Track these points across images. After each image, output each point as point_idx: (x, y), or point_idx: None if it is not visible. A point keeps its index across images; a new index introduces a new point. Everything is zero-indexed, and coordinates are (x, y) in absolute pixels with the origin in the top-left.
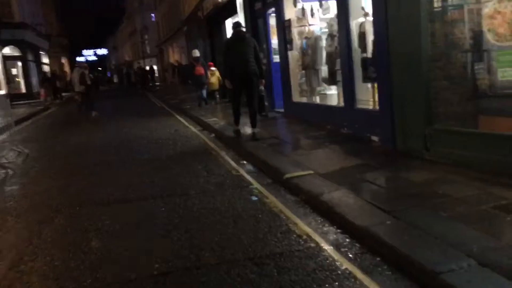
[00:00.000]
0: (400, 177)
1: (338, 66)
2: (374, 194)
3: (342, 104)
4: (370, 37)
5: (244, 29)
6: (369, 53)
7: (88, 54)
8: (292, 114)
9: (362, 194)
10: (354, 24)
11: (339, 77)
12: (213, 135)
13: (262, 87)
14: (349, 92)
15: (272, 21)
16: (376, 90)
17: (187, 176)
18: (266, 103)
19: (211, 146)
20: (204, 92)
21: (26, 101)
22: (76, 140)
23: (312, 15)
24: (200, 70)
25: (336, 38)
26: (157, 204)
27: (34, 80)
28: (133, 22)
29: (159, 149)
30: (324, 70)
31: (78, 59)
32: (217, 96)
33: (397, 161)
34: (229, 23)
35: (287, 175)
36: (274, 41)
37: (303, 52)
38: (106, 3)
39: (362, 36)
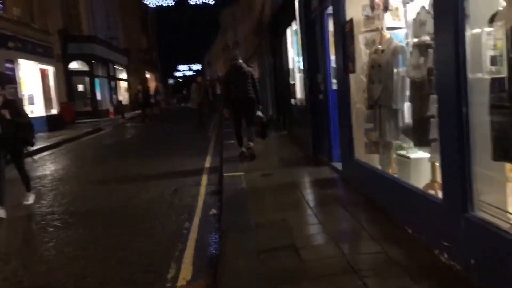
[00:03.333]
0: None
1: (433, 109)
2: None
3: (440, 196)
4: None
5: (240, 61)
6: None
7: (184, 70)
8: (353, 180)
9: None
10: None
11: (434, 132)
12: None
13: (259, 113)
14: (457, 174)
15: (332, 25)
16: None
17: None
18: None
19: None
20: None
21: (90, 120)
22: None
23: (387, 9)
24: None
25: (430, 53)
26: None
27: (103, 97)
28: (225, 37)
29: None
30: (405, 112)
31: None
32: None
33: None
34: (289, 34)
35: None
36: (334, 57)
37: (372, 77)
38: (204, 18)
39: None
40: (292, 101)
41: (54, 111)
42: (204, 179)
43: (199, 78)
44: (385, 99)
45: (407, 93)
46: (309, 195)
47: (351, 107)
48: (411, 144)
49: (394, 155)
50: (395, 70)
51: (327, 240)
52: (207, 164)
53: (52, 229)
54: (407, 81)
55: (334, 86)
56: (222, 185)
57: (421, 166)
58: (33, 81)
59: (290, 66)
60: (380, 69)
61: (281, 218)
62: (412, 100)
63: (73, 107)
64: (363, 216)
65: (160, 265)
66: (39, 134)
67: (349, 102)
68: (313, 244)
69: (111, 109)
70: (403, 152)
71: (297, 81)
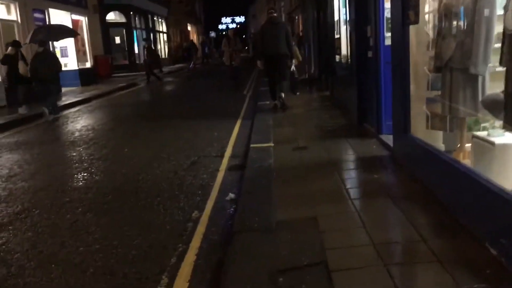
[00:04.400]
0: None
1: None
2: None
3: None
4: None
5: (275, 15)
6: None
7: (227, 22)
8: (407, 161)
9: None
10: None
11: None
12: None
13: (293, 67)
14: None
15: None
16: None
17: None
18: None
19: None
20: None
21: (126, 74)
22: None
23: None
24: None
25: None
26: None
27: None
28: None
29: None
30: (487, 79)
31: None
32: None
33: None
34: None
35: None
36: (389, 5)
37: (443, 29)
38: None
39: None
40: (337, 57)
41: (88, 64)
42: (229, 149)
43: (230, 31)
44: (461, 60)
45: (490, 51)
46: (351, 181)
47: (409, 68)
48: (497, 123)
49: (467, 136)
50: (478, 19)
51: (371, 259)
52: (236, 131)
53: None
54: (493, 33)
55: (388, 42)
56: (247, 160)
57: (509, 155)
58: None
59: (336, 17)
60: (457, 18)
61: (312, 215)
62: (508, 62)
63: (109, 60)
64: (421, 219)
65: (148, 275)
66: (71, 88)
67: (407, 62)
68: (352, 266)
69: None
70: (482, 134)
71: (343, 34)
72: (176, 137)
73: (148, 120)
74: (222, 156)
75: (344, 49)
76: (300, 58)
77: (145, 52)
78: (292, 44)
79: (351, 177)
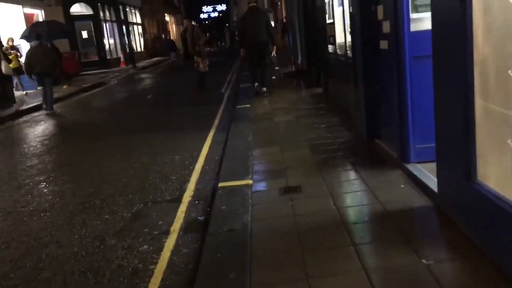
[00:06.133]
0: None
1: None
2: None
3: None
4: None
5: (255, 4)
6: None
7: (208, 11)
8: (471, 225)
9: None
10: None
11: None
12: None
13: (274, 53)
14: None
15: None
16: None
17: None
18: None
19: None
20: None
21: (97, 71)
22: None
23: None
24: None
25: None
26: None
27: (113, 44)
28: None
29: None
30: None
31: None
32: None
33: None
34: None
35: None
36: None
37: None
38: None
39: None
40: (330, 47)
41: None
42: (191, 186)
43: (185, 21)
44: None
45: None
46: (384, 276)
47: (473, 69)
48: None
49: None
50: None
51: None
52: (204, 151)
53: None
54: None
55: (416, 27)
56: (212, 211)
57: None
58: (17, 29)
59: None
60: None
61: None
62: None
63: (75, 56)
64: None
65: None
66: (27, 91)
67: (469, 57)
68: None
69: (123, 58)
70: None
71: (337, 19)
72: (123, 165)
73: (95, 135)
74: (178, 201)
75: (340, 37)
76: (280, 45)
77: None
78: (273, 31)
79: (382, 265)
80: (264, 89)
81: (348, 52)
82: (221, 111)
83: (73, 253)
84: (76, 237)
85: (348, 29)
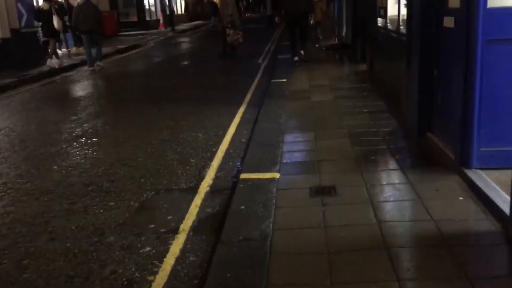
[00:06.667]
0: None
1: None
2: None
3: None
4: None
5: None
6: None
7: None
8: None
9: None
10: None
11: None
12: None
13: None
14: None
15: None
16: None
17: None
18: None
19: None
20: None
21: (136, 32)
22: None
23: None
24: None
25: None
26: None
27: (154, 4)
28: None
29: None
30: None
31: None
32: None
33: None
34: None
35: None
36: None
37: None
38: None
39: None
40: (379, 21)
41: None
42: (210, 173)
43: None
44: None
45: None
46: None
47: None
48: None
49: None
50: None
51: None
52: (231, 130)
53: None
54: None
55: (494, 1)
56: (228, 212)
57: None
58: None
59: None
60: None
61: None
62: None
63: (114, 16)
64: None
65: None
66: (63, 50)
67: None
68: None
69: (162, 20)
70: None
71: None
72: (141, 142)
73: (118, 104)
74: (194, 191)
75: (393, 9)
76: (319, 18)
77: None
78: (312, 1)
79: None
80: (302, 52)
81: (401, 27)
82: (255, 84)
83: (64, 250)
84: (73, 228)
85: (403, 1)
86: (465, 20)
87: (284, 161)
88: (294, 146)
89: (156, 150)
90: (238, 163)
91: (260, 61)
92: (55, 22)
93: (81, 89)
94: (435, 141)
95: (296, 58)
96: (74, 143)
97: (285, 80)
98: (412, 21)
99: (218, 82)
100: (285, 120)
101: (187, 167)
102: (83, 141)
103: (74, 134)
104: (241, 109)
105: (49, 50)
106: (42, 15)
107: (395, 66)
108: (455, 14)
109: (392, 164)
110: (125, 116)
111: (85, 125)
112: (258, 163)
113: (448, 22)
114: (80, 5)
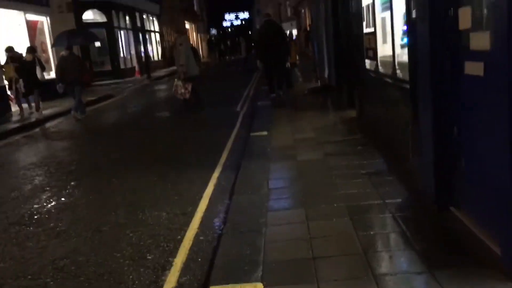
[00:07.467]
0: None
1: None
2: None
3: None
4: None
5: (270, 18)
6: None
7: (231, 19)
8: None
9: None
10: None
11: None
12: None
13: (288, 64)
14: None
15: None
16: None
17: None
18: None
19: None
20: None
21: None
22: None
23: None
24: None
25: None
26: None
27: (129, 53)
28: None
29: None
30: None
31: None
32: None
33: None
34: None
35: None
36: None
37: None
38: None
39: None
40: (367, 63)
41: (52, 74)
42: (174, 273)
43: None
44: None
45: None
46: None
47: None
48: None
49: None
50: None
51: None
52: (201, 206)
53: None
54: None
55: None
56: None
57: None
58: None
59: (365, 1)
60: None
61: None
62: None
63: (86, 66)
64: None
65: None
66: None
67: None
68: None
69: (138, 67)
70: None
71: (378, 27)
72: (86, 229)
73: (72, 173)
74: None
75: (384, 50)
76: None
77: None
78: (287, 41)
79: None
80: (280, 92)
81: (398, 72)
82: (233, 138)
83: None
84: None
85: (399, 41)
86: (501, 68)
87: (269, 260)
88: (280, 231)
89: (105, 242)
90: (206, 267)
91: (238, 108)
92: (39, 72)
93: (33, 153)
94: (464, 221)
95: (273, 95)
96: (3, 235)
97: (265, 133)
98: (418, 66)
99: (192, 137)
100: (268, 191)
101: (142, 269)
102: (15, 231)
103: (7, 221)
104: (215, 174)
105: (34, 103)
106: (25, 66)
107: (394, 116)
108: (485, 58)
109: (415, 262)
110: (75, 191)
111: (24, 206)
112: (234, 265)
113: (473, 68)
114: (65, 56)
